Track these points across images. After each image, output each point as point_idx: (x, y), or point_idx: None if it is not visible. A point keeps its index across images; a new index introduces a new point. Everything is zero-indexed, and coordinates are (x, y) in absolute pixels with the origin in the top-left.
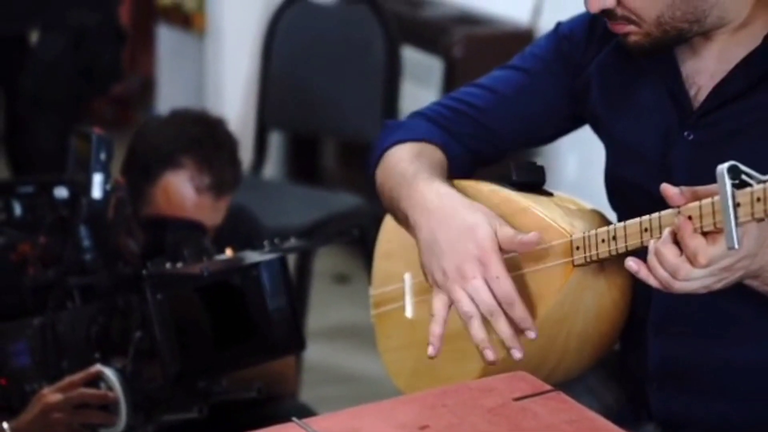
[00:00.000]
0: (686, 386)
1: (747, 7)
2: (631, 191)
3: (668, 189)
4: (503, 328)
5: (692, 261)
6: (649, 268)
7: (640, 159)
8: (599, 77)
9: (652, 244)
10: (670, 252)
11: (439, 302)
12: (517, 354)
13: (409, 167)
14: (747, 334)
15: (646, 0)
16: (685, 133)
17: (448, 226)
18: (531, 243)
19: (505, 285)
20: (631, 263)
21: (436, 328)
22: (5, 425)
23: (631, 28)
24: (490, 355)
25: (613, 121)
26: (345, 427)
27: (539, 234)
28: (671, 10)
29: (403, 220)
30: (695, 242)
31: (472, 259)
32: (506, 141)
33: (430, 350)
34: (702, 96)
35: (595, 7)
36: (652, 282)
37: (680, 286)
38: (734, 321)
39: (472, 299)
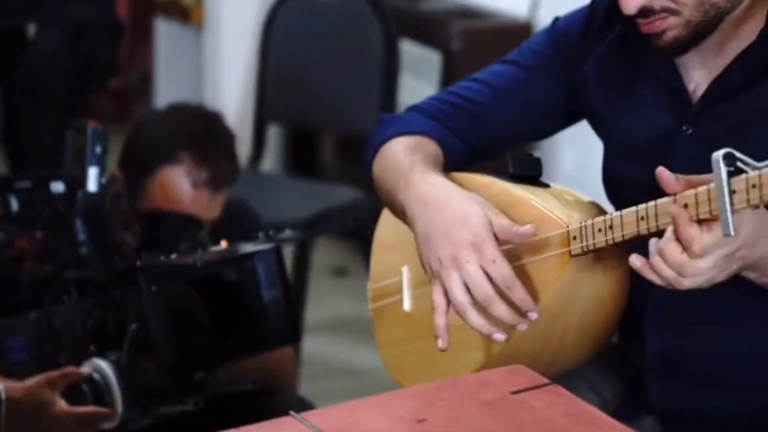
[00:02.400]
0: (685, 378)
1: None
2: (629, 187)
3: (664, 173)
4: (503, 311)
5: (687, 251)
6: (654, 268)
7: (638, 154)
8: (596, 73)
9: (653, 244)
10: (674, 250)
11: (438, 293)
12: (523, 326)
13: (405, 160)
14: (746, 326)
15: None
16: (684, 128)
17: (443, 216)
18: (527, 234)
19: (502, 268)
20: (635, 261)
21: (440, 320)
22: (1, 387)
23: (670, 21)
24: (500, 337)
25: (611, 117)
26: (343, 420)
27: (535, 226)
28: None
29: (401, 214)
30: (690, 231)
31: (467, 245)
32: (503, 136)
33: (440, 343)
34: (701, 91)
35: (633, 7)
36: (656, 280)
37: (689, 282)
38: (733, 312)
39: (468, 286)
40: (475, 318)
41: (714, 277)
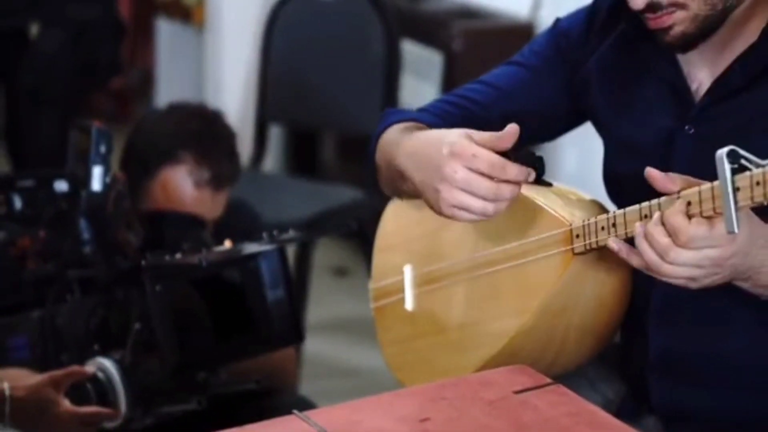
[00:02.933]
0: (687, 378)
1: None
2: (630, 185)
3: (652, 172)
4: (510, 193)
5: (673, 239)
6: (638, 249)
7: (640, 154)
8: (598, 72)
9: (638, 227)
10: (660, 232)
11: (475, 202)
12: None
13: (399, 135)
14: (748, 326)
15: None
16: (686, 127)
17: (427, 151)
18: (509, 134)
19: (485, 156)
20: (612, 243)
21: (511, 191)
22: (5, 385)
23: (678, 15)
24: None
25: (612, 116)
26: (345, 419)
27: (516, 126)
28: None
29: (400, 179)
30: (676, 220)
31: (447, 158)
32: None
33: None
34: (703, 90)
35: (641, 2)
36: (635, 262)
37: (668, 269)
38: (735, 312)
39: (471, 192)
40: (499, 207)
41: (698, 278)
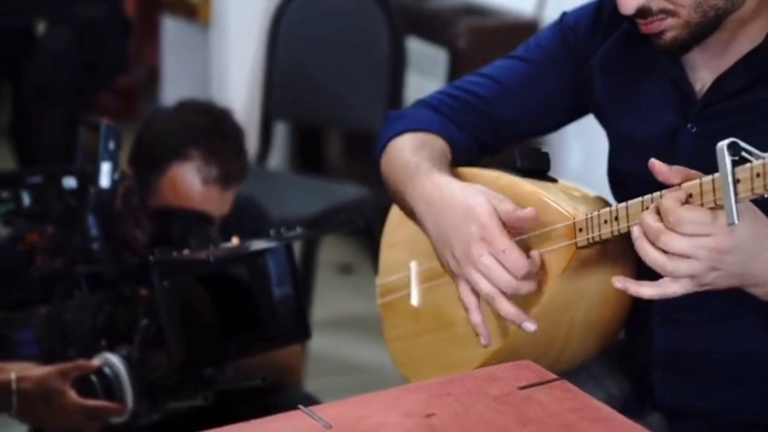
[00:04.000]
0: (691, 375)
1: None
2: (634, 183)
3: (656, 164)
4: (525, 292)
5: (664, 223)
6: (640, 253)
7: (643, 151)
8: (603, 69)
9: (636, 231)
10: (651, 218)
11: (466, 292)
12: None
13: (410, 159)
14: (752, 323)
15: None
16: (689, 125)
17: (450, 214)
18: (528, 217)
19: (513, 256)
20: (618, 284)
21: (475, 317)
22: (12, 375)
23: (669, 21)
24: (530, 326)
25: (616, 114)
26: (351, 415)
27: (534, 209)
28: None
29: (410, 213)
30: (668, 203)
31: (477, 239)
32: (510, 131)
33: (483, 341)
34: (706, 89)
35: (630, 8)
36: (649, 256)
37: (668, 266)
38: (740, 309)
39: (489, 279)
40: (506, 306)
41: (696, 272)
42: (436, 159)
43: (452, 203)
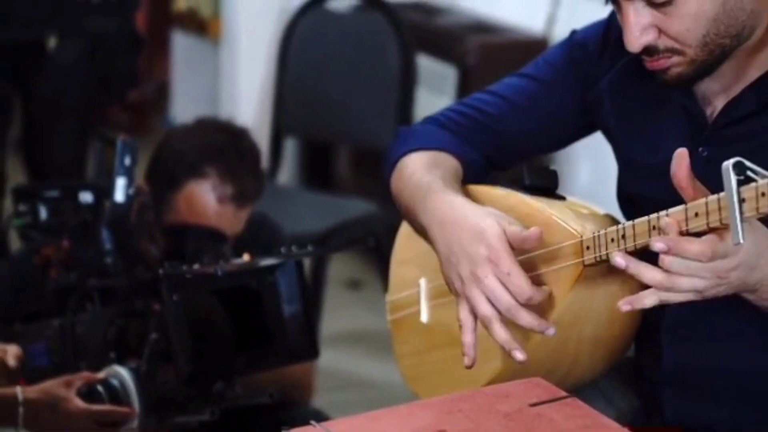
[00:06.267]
0: (701, 392)
1: (764, 25)
2: (645, 206)
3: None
4: (527, 320)
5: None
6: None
7: (654, 175)
8: (612, 93)
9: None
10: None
11: (464, 311)
12: (550, 331)
13: (423, 178)
14: (762, 340)
15: (689, 21)
16: (700, 149)
17: (461, 234)
18: (532, 238)
19: (517, 279)
20: (618, 259)
21: (467, 337)
22: (18, 389)
23: (675, 59)
24: (519, 356)
25: (626, 140)
26: (363, 430)
27: (539, 228)
28: (715, 25)
29: (421, 232)
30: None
31: (484, 260)
32: (518, 148)
33: (466, 360)
34: (716, 114)
35: (637, 46)
36: (645, 277)
37: (674, 282)
38: (749, 328)
39: (490, 300)
40: (500, 331)
41: (700, 288)
42: (449, 178)
43: (464, 224)
